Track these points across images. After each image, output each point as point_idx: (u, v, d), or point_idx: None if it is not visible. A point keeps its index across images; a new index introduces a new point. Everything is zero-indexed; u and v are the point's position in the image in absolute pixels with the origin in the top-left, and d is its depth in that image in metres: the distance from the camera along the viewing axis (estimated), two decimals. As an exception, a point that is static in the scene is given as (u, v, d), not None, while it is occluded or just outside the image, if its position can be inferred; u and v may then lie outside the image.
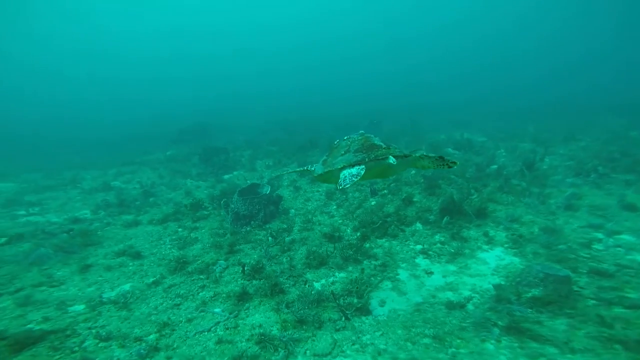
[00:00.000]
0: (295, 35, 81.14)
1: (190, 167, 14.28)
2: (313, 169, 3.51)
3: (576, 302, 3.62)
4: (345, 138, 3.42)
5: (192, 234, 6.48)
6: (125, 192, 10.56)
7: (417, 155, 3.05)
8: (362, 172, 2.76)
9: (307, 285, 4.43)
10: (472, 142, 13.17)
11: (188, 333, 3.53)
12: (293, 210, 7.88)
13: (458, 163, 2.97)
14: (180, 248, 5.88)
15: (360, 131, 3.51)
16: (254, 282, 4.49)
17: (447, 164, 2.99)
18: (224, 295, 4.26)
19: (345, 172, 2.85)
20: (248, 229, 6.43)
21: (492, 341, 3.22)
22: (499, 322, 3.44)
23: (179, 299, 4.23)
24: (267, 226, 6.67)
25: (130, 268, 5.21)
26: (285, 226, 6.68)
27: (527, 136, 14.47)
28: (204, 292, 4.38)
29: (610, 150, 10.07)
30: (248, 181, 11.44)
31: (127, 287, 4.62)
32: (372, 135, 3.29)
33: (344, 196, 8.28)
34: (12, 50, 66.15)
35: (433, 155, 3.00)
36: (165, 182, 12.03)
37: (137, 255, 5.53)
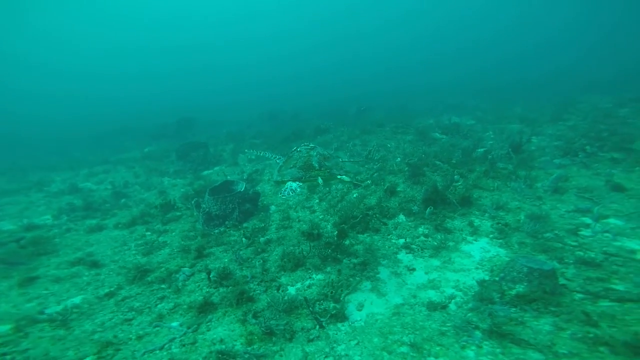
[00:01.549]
0: (282, 22, 78.52)
1: (169, 164, 13.62)
2: (275, 174, 4.20)
3: (562, 298, 3.41)
4: (297, 149, 4.21)
5: (160, 238, 6.04)
6: (95, 194, 9.96)
7: (338, 177, 3.91)
8: (299, 190, 3.61)
9: (280, 291, 4.11)
10: (459, 125, 12.88)
11: (135, 353, 3.16)
12: (273, 207, 7.49)
13: (362, 185, 4.12)
14: (145, 254, 5.45)
15: (311, 144, 4.36)
16: (221, 289, 4.14)
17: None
18: (185, 306, 3.89)
19: (288, 185, 3.65)
20: (222, 229, 6.03)
21: (473, 347, 2.98)
22: (481, 325, 3.20)
23: (132, 312, 3.84)
24: (244, 225, 6.29)
25: (85, 278, 4.77)
26: (262, 225, 6.31)
27: (515, 117, 14.27)
28: (162, 304, 4.00)
29: (598, 129, 9.94)
30: (228, 176, 10.95)
31: (77, 300, 4.20)
32: (314, 154, 4.03)
33: (327, 188, 7.92)
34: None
35: (347, 179, 3.92)
36: (140, 181, 11.41)
37: (95, 264, 5.10)
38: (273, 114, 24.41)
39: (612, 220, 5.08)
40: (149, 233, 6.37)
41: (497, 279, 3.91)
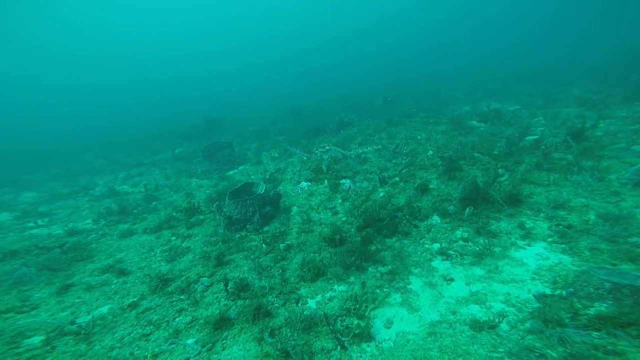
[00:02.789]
0: (308, 14, 78.53)
1: (197, 165, 14.08)
2: (296, 175, 4.68)
3: None
4: (315, 151, 4.82)
5: (184, 243, 6.07)
6: (130, 197, 10.54)
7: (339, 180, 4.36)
8: (307, 188, 4.29)
9: (299, 305, 3.78)
10: (500, 112, 11.53)
11: (149, 374, 3.06)
12: (295, 208, 7.22)
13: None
14: (169, 260, 5.49)
15: (327, 146, 4.84)
16: (239, 302, 3.93)
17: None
18: (202, 321, 3.72)
19: (301, 184, 4.30)
20: (243, 234, 5.88)
21: (537, 387, 2.38)
22: (550, 353, 2.57)
23: (151, 327, 3.78)
24: (264, 230, 6.09)
25: (113, 287, 4.89)
26: (283, 229, 6.06)
27: (572, 100, 12.43)
28: (180, 317, 3.89)
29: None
30: (252, 176, 10.95)
31: (104, 309, 4.28)
32: (326, 157, 4.55)
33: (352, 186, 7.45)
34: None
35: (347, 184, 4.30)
36: (171, 183, 11.89)
37: (123, 272, 5.22)
38: (297, 109, 24.28)
39: None
40: (174, 238, 6.46)
41: (564, 293, 3.19)
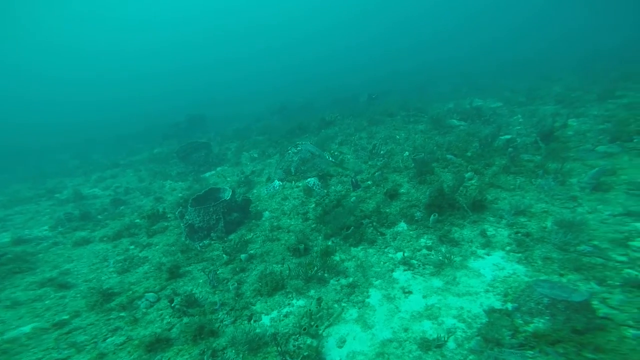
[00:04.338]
0: (300, 6, 77.27)
1: (173, 166, 13.78)
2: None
3: (604, 337, 2.69)
4: (289, 150, 5.78)
5: (142, 253, 5.92)
6: (97, 202, 10.23)
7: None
8: (278, 187, 5.22)
9: (251, 322, 3.73)
10: (481, 109, 11.64)
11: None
12: (267, 213, 7.14)
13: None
14: (121, 272, 5.31)
15: (299, 146, 5.76)
16: (185, 320, 3.83)
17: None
18: (136, 342, 3.59)
19: (274, 183, 5.13)
20: (207, 242, 5.78)
21: (469, 411, 2.41)
22: (483, 377, 2.61)
23: (71, 350, 3.57)
24: (230, 237, 6.00)
25: (47, 302, 4.65)
26: (250, 235, 5.98)
27: (552, 97, 12.65)
28: (113, 338, 3.74)
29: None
30: (228, 179, 10.77)
31: (27, 329, 4.05)
32: (295, 159, 5.46)
33: (325, 191, 7.41)
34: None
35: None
36: (143, 186, 11.59)
37: (64, 286, 4.99)
38: (283, 106, 23.99)
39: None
40: (132, 247, 6.27)
41: (510, 307, 3.25)
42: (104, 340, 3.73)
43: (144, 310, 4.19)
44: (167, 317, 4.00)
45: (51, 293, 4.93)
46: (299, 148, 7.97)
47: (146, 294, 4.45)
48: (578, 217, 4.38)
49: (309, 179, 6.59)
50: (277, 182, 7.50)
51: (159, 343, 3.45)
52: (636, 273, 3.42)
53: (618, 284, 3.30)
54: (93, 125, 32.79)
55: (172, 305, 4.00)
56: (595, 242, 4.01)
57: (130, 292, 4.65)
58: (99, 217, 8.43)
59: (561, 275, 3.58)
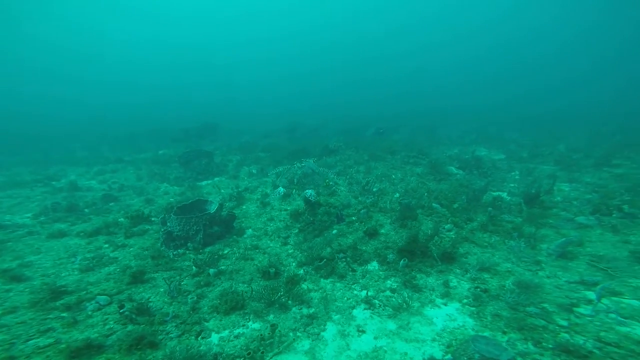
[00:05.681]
0: (320, 38, 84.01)
1: (173, 170, 14.52)
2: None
3: None
4: (295, 164, 7.72)
5: (114, 253, 6.26)
6: (89, 195, 10.83)
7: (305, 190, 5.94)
8: (282, 193, 7.63)
9: (198, 338, 3.97)
10: (481, 161, 12.24)
11: None
12: (250, 230, 7.61)
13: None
14: (85, 270, 5.49)
15: (304, 163, 7.82)
16: (130, 327, 3.97)
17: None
18: (63, 346, 3.47)
19: (279, 189, 7.24)
20: (181, 251, 6.22)
21: None
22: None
23: None
24: (207, 250, 6.44)
25: None
26: (227, 251, 6.41)
27: (553, 156, 13.25)
28: (39, 339, 3.65)
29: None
30: (222, 191, 11.36)
31: None
32: (299, 173, 7.36)
33: (311, 218, 7.88)
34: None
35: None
36: (140, 185, 12.25)
37: (17, 278, 5.05)
38: (293, 127, 25.29)
39: (627, 300, 4.45)
40: (106, 245, 6.55)
41: (446, 359, 3.56)
42: (27, 341, 3.65)
43: (89, 313, 4.26)
44: (111, 322, 4.10)
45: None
46: (303, 164, 10.54)
47: (98, 296, 4.62)
48: (536, 280, 4.75)
49: (306, 190, 8.44)
50: (281, 189, 9.32)
51: (88, 349, 3.45)
52: (568, 337, 3.74)
53: (550, 346, 3.61)
54: (121, 123, 34.67)
55: (121, 311, 4.14)
56: (545, 305, 4.35)
57: (84, 292, 4.81)
58: (86, 210, 8.92)
59: (504, 332, 3.91)
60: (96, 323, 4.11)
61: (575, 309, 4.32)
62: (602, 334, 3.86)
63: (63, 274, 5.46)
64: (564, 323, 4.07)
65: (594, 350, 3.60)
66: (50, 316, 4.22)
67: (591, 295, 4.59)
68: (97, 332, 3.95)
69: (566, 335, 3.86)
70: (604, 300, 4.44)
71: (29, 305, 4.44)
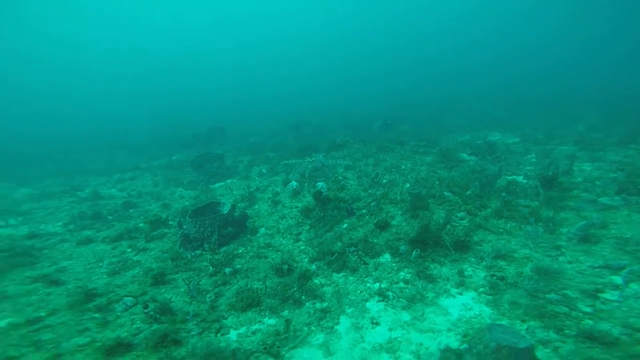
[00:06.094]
0: (333, 32, 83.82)
1: (186, 174, 14.90)
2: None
3: None
4: (306, 159, 8.24)
5: (137, 257, 6.55)
6: (111, 203, 11.30)
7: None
8: (296, 187, 7.99)
9: (217, 335, 4.12)
10: (495, 145, 11.84)
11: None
12: (263, 229, 7.72)
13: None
14: (112, 274, 5.85)
15: (314, 157, 8.22)
16: (155, 326, 4.22)
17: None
18: (98, 345, 3.80)
19: (292, 183, 7.72)
20: (198, 252, 6.41)
21: None
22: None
23: (31, 348, 3.78)
24: (222, 250, 6.59)
25: (33, 298, 5.04)
26: (241, 250, 6.54)
27: (572, 136, 12.62)
28: (77, 339, 3.98)
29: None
30: (234, 192, 11.56)
31: (3, 323, 4.36)
32: (310, 167, 7.86)
33: (322, 214, 7.91)
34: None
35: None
36: (156, 190, 12.66)
37: (55, 282, 5.47)
38: (298, 125, 25.32)
39: (655, 286, 4.22)
40: (129, 250, 6.92)
41: (462, 348, 3.51)
42: (69, 340, 4.00)
43: (118, 313, 4.58)
44: (138, 322, 4.35)
45: (41, 289, 5.38)
46: (313, 158, 11.09)
47: (125, 297, 4.93)
48: (556, 266, 4.57)
49: (318, 183, 8.98)
50: (294, 183, 9.78)
51: (119, 347, 3.74)
52: (593, 324, 3.59)
53: (574, 333, 3.48)
54: (132, 132, 35.84)
55: (146, 311, 4.39)
56: (567, 291, 4.19)
57: (112, 294, 5.13)
58: (110, 217, 9.36)
59: (523, 321, 3.81)
60: (125, 323, 4.40)
61: (600, 294, 4.14)
62: (632, 319, 3.69)
63: (93, 278, 5.84)
64: (588, 310, 3.91)
65: (622, 337, 3.45)
66: (85, 317, 4.56)
67: (618, 279, 4.38)
68: (126, 331, 4.21)
69: (590, 321, 3.71)
70: (632, 285, 4.23)
71: (66, 307, 4.81)
